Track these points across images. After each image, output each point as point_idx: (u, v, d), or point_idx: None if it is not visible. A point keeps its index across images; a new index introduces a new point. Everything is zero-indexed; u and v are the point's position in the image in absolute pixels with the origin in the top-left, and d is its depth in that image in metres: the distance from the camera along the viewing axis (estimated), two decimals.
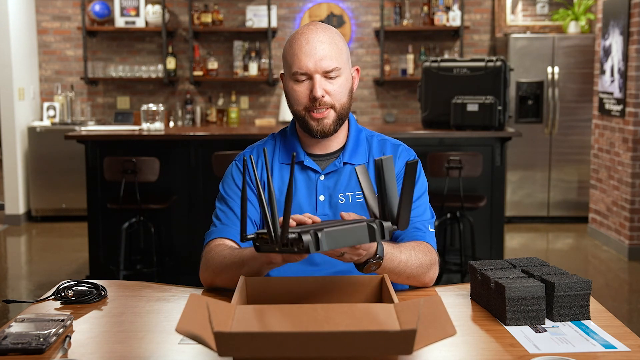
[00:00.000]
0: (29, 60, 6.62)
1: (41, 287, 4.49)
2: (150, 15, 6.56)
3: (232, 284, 1.58)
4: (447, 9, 6.55)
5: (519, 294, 1.44)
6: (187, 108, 6.69)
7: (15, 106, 6.26)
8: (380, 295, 1.49)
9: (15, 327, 1.39)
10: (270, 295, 1.48)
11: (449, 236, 4.64)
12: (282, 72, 1.79)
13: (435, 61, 4.63)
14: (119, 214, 4.42)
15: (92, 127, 5.58)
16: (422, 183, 1.81)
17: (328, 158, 1.80)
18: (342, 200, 1.76)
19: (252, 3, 6.70)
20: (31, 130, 6.37)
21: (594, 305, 1.55)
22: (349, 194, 1.76)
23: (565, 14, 6.51)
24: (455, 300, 1.62)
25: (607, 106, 5.56)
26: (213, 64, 6.65)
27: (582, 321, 1.47)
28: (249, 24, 6.59)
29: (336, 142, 1.81)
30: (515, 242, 5.83)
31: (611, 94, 5.46)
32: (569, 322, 1.46)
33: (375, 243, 1.52)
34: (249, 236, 1.39)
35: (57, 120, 6.54)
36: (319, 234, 1.30)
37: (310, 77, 1.70)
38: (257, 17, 6.60)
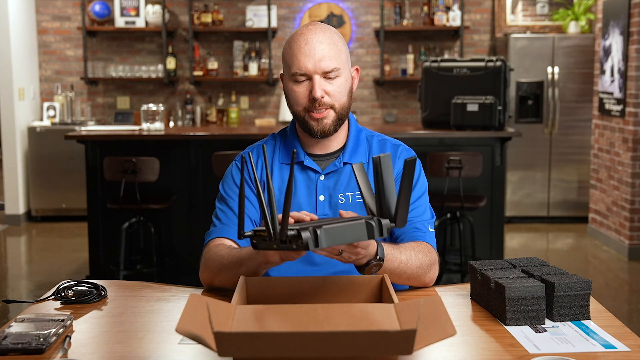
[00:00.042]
0: (29, 60, 6.62)
1: (41, 287, 4.49)
2: (150, 15, 6.56)
3: (231, 284, 1.58)
4: (447, 9, 6.55)
5: (519, 294, 1.44)
6: (187, 108, 6.69)
7: (15, 106, 6.27)
8: (380, 295, 1.49)
9: (15, 327, 1.39)
10: (270, 295, 1.48)
11: (449, 236, 4.64)
12: (282, 72, 1.79)
13: (435, 61, 4.63)
14: (119, 214, 4.42)
15: (92, 127, 5.58)
16: (422, 183, 1.81)
17: (328, 158, 1.80)
18: (342, 200, 1.76)
19: (252, 3, 6.70)
20: (31, 130, 6.37)
21: (594, 305, 1.55)
22: (349, 194, 1.76)
23: (565, 14, 6.51)
24: (455, 300, 1.62)
25: (607, 106, 5.56)
26: (213, 64, 6.65)
27: (582, 321, 1.47)
28: (249, 24, 6.59)
29: (336, 142, 1.81)
30: (515, 242, 5.83)
31: (611, 94, 5.46)
32: (569, 322, 1.46)
33: (375, 243, 1.52)
34: (246, 233, 1.39)
35: (57, 120, 6.54)
36: (318, 231, 1.30)
37: (309, 78, 1.70)
38: (257, 17, 6.60)
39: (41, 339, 1.33)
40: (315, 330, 1.15)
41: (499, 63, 4.52)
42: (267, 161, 1.38)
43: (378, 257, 1.52)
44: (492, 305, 1.51)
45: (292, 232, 1.30)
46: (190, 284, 1.77)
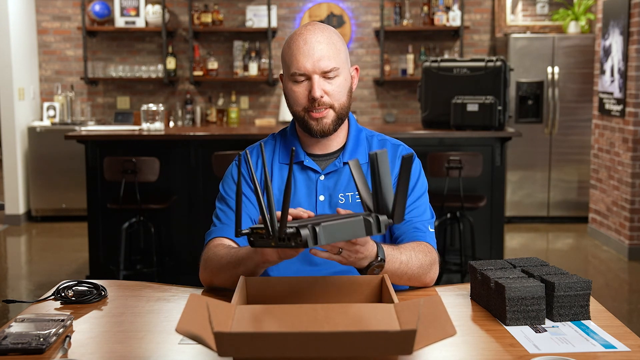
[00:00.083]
0: (29, 60, 6.62)
1: (41, 287, 4.49)
2: (150, 15, 6.56)
3: (229, 284, 1.58)
4: (447, 9, 6.55)
5: (519, 294, 1.44)
6: (187, 108, 6.69)
7: (15, 106, 6.27)
8: (380, 295, 1.49)
9: (15, 327, 1.39)
10: (270, 295, 1.48)
11: (449, 236, 4.64)
12: (282, 72, 1.79)
13: (435, 61, 4.63)
14: (119, 214, 4.42)
15: (92, 127, 5.58)
16: (422, 183, 1.81)
17: (328, 158, 1.80)
18: (342, 200, 1.76)
19: (252, 3, 6.70)
20: (31, 130, 6.37)
21: (594, 305, 1.55)
22: (349, 194, 1.76)
23: (565, 14, 6.51)
24: (455, 300, 1.62)
25: (607, 106, 5.56)
26: (213, 64, 6.64)
27: (582, 321, 1.47)
28: (249, 24, 6.59)
29: (336, 142, 1.81)
30: (515, 242, 5.83)
31: (611, 94, 5.46)
32: (569, 322, 1.46)
33: (374, 244, 1.52)
34: (243, 231, 1.38)
35: (57, 120, 6.54)
36: (317, 228, 1.29)
37: (308, 78, 1.70)
38: (257, 17, 6.60)
39: (41, 339, 1.33)
40: (315, 331, 1.15)
41: (499, 63, 4.52)
42: (266, 160, 1.38)
43: (379, 258, 1.52)
44: (492, 305, 1.51)
45: (290, 230, 1.30)
46: (190, 284, 1.77)
